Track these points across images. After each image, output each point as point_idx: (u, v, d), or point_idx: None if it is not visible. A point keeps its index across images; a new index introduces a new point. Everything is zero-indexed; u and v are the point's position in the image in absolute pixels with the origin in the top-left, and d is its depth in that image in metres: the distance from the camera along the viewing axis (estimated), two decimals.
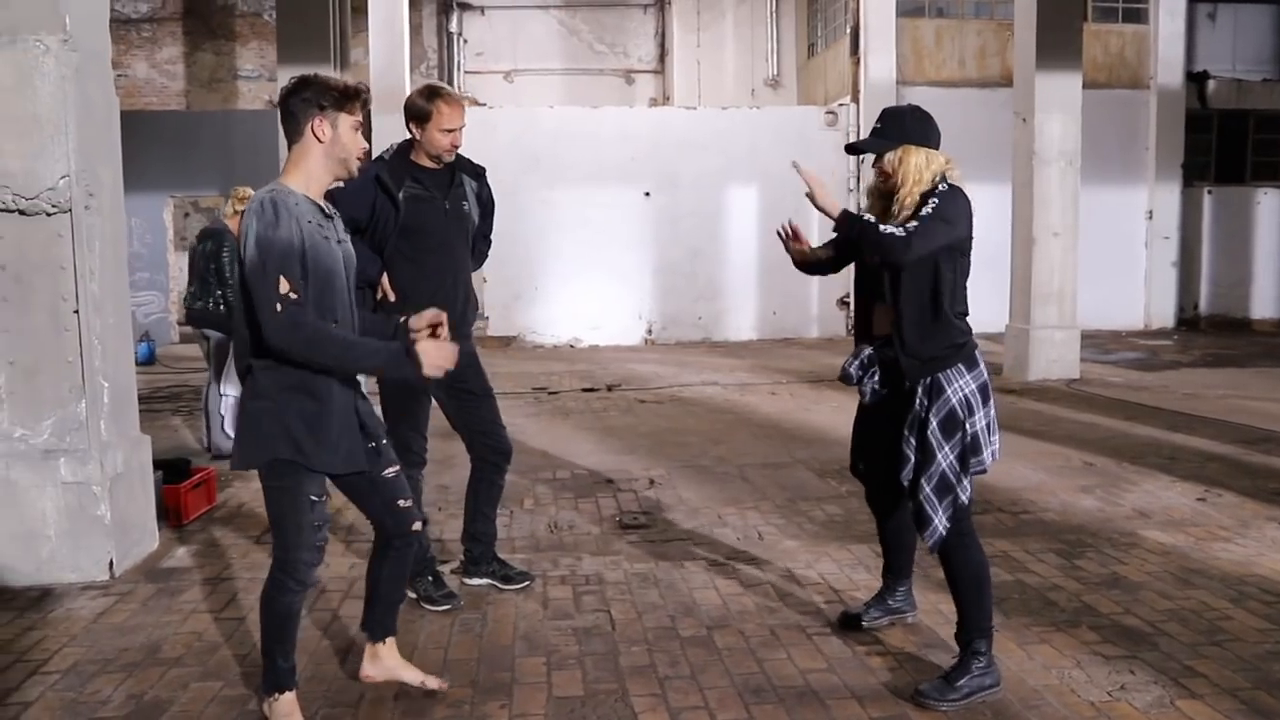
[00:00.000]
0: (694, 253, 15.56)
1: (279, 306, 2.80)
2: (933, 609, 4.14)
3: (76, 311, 4.57)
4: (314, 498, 3.04)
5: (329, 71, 9.73)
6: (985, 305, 12.83)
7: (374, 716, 3.30)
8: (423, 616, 4.15)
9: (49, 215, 4.54)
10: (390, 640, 3.47)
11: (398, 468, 3.28)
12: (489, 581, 4.48)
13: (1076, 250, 10.87)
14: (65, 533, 4.56)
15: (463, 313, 4.28)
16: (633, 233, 15.46)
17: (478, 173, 4.40)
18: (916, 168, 3.36)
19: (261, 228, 2.82)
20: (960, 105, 14.92)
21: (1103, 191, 15.01)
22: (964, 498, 3.39)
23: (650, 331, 15.68)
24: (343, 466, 3.04)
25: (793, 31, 18.80)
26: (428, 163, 4.18)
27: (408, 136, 4.21)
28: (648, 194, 15.43)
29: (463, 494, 4.57)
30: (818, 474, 6.54)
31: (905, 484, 3.42)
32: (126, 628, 4.06)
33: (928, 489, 3.36)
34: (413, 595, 4.29)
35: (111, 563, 4.61)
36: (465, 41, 18.64)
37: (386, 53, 14.25)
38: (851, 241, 3.46)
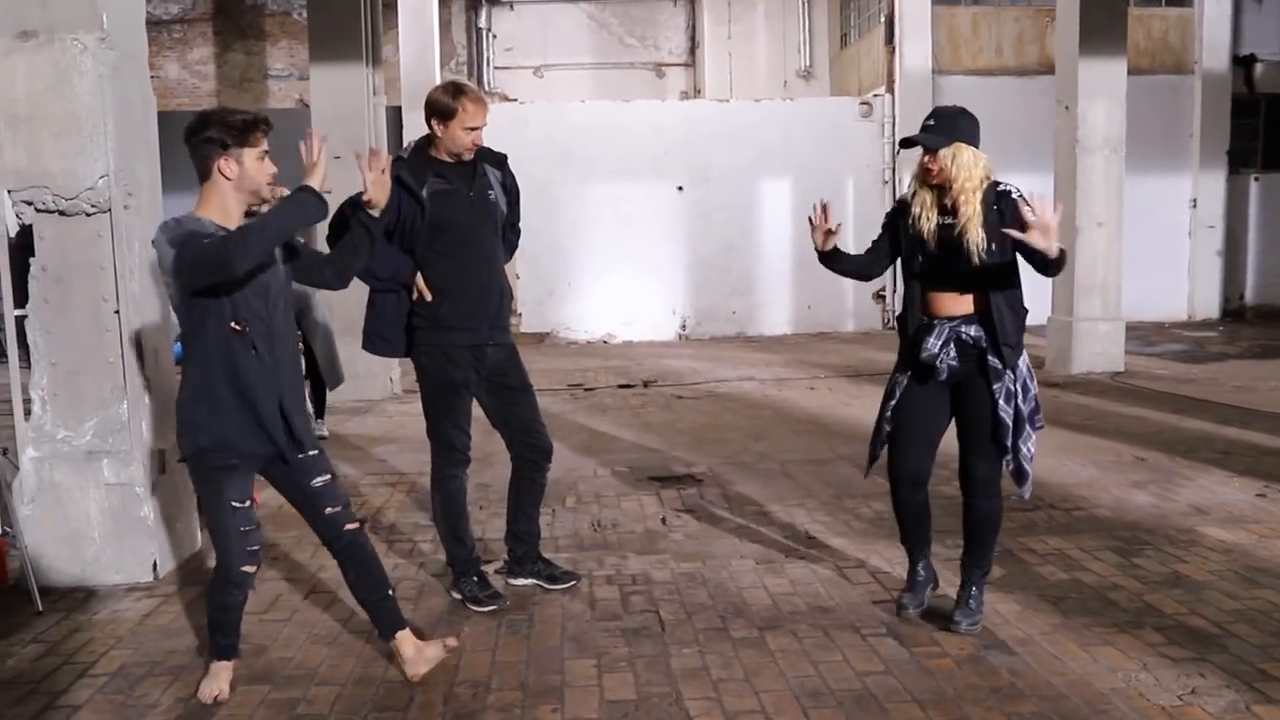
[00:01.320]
0: (727, 247, 15.43)
1: (207, 240, 3.00)
2: (990, 609, 4.03)
3: (117, 312, 4.54)
4: (235, 503, 3.21)
5: (361, 69, 9.70)
6: (1029, 297, 12.78)
7: (424, 717, 3.24)
8: (468, 618, 4.10)
9: (88, 215, 4.51)
10: (402, 634, 3.50)
11: (328, 477, 3.40)
12: (534, 581, 4.41)
13: (1121, 240, 10.66)
14: (109, 534, 4.53)
15: (499, 305, 4.21)
16: (665, 227, 15.35)
17: (499, 161, 4.30)
18: (968, 165, 3.67)
19: (169, 234, 3.05)
20: (998, 94, 14.71)
21: (1145, 180, 14.70)
22: (1033, 451, 3.89)
23: (684, 327, 15.57)
24: (262, 447, 3.21)
25: (825, 21, 18.60)
26: (448, 158, 4.10)
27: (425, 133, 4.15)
28: (680, 188, 15.31)
29: (503, 492, 4.52)
30: (861, 469, 6.41)
31: (1004, 446, 3.80)
32: (172, 630, 4.03)
33: (1025, 448, 3.81)
34: (458, 596, 4.25)
35: (155, 564, 4.59)
36: (494, 37, 18.58)
37: (416, 49, 14.22)
38: (1051, 263, 3.59)
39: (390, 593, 3.50)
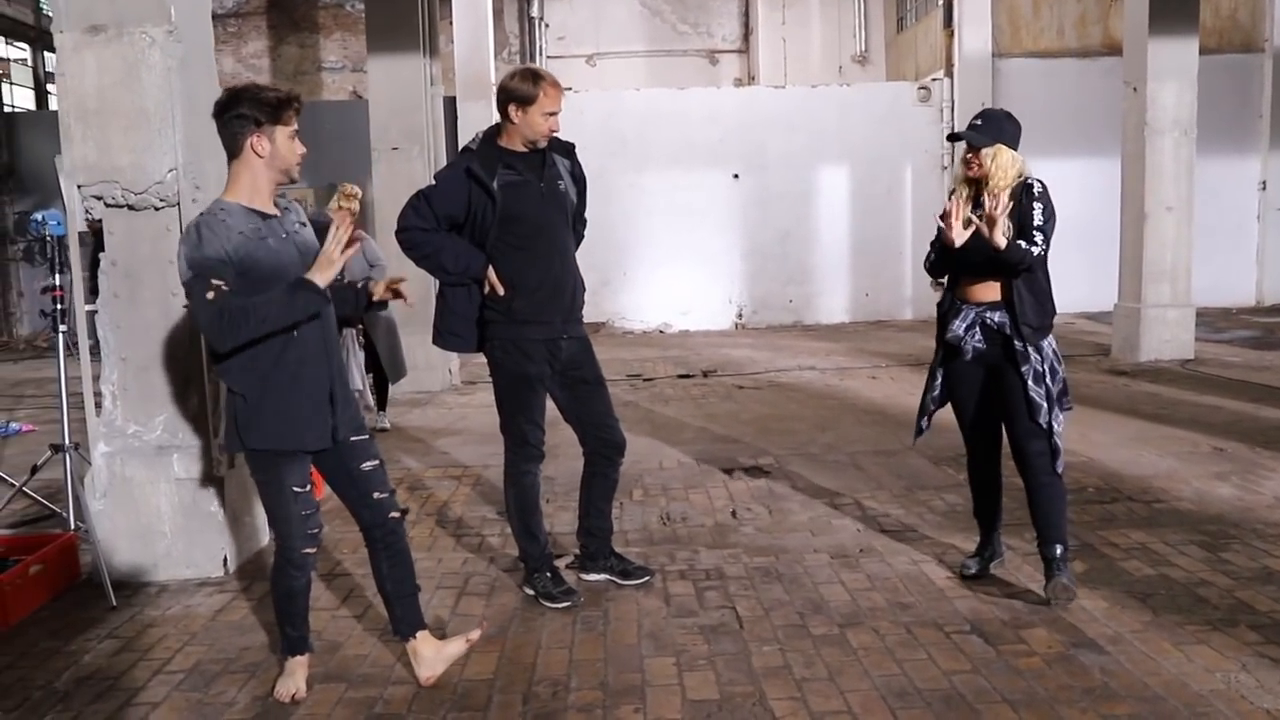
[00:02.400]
0: (784, 235, 15.26)
1: (210, 296, 2.96)
2: (1076, 607, 3.90)
3: (186, 306, 4.53)
4: (296, 489, 3.21)
5: (418, 60, 9.68)
6: (1089, 284, 12.53)
7: (504, 717, 3.18)
8: (543, 614, 4.04)
9: (157, 210, 4.51)
10: (422, 634, 3.43)
11: (376, 462, 3.36)
12: (607, 577, 4.35)
13: (1191, 225, 10.37)
14: (180, 529, 4.53)
15: (573, 297, 4.14)
16: (721, 215, 15.22)
17: (568, 150, 4.21)
18: (1005, 165, 3.96)
19: (189, 249, 3.00)
20: (1060, 76, 14.40)
21: (1212, 162, 14.25)
22: (1061, 430, 4.08)
23: (740, 316, 15.44)
24: (314, 443, 3.20)
25: (880, 5, 18.34)
26: (519, 147, 4.01)
27: (495, 121, 4.07)
28: (736, 176, 15.16)
29: (569, 485, 4.47)
30: (932, 461, 6.29)
31: (1043, 425, 3.97)
32: (245, 626, 4.02)
33: (1056, 427, 3.99)
34: (531, 592, 4.19)
35: (226, 559, 4.58)
36: (547, 26, 18.54)
37: (470, 39, 14.18)
38: (1000, 255, 3.89)
39: (417, 590, 3.46)
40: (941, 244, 4.04)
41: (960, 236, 3.94)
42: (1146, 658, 3.49)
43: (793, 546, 4.80)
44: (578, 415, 4.23)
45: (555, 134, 4.06)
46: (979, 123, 4.04)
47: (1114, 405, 8.04)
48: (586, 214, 4.38)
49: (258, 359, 3.10)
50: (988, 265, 3.96)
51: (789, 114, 15.03)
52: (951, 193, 4.16)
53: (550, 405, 4.22)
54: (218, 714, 3.28)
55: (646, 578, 4.34)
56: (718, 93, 15.98)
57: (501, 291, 4.00)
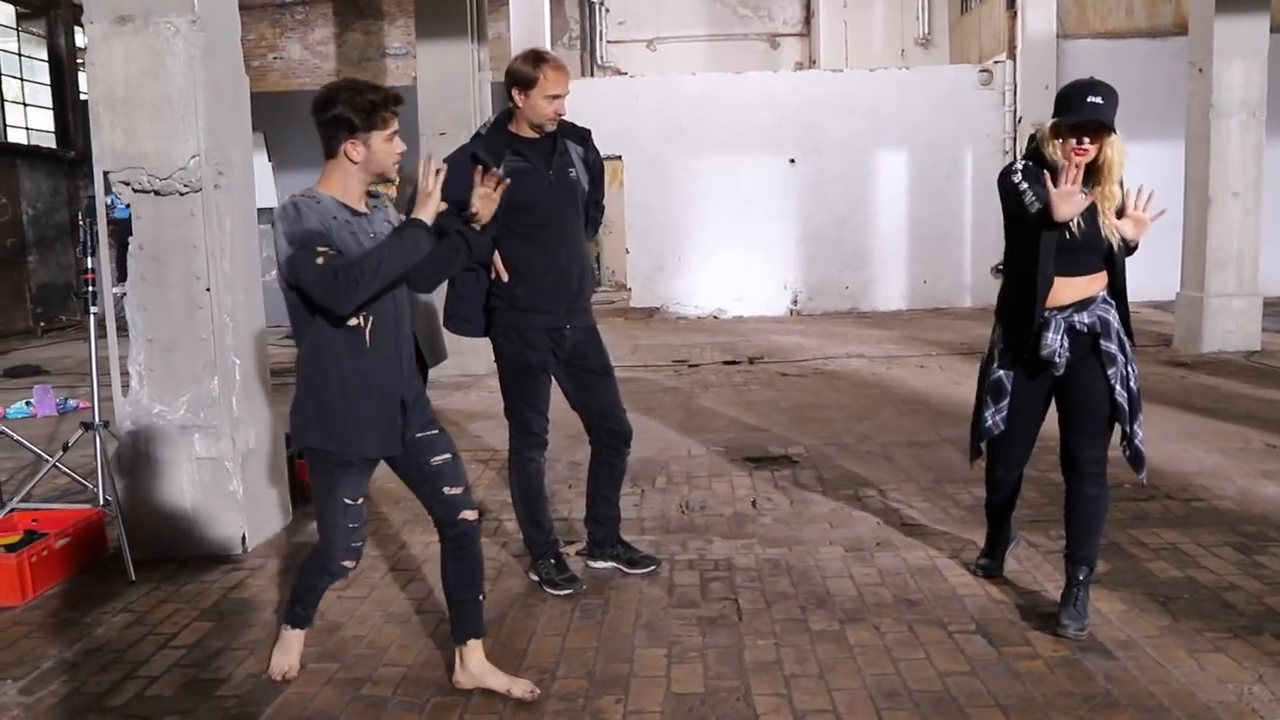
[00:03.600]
0: (840, 220, 15.08)
1: (320, 260, 2.86)
2: (1090, 609, 3.78)
3: (209, 289, 4.61)
4: (347, 500, 3.14)
5: (467, 46, 9.72)
6: (1153, 271, 12.01)
7: (485, 708, 3.19)
8: (544, 600, 4.05)
9: (181, 195, 4.59)
10: (474, 643, 3.28)
11: (448, 455, 3.24)
12: (614, 565, 4.34)
13: (1260, 211, 10.00)
14: (200, 507, 4.64)
15: (580, 285, 4.11)
16: (777, 200, 15.09)
17: (583, 136, 4.18)
18: (1121, 150, 3.51)
19: (287, 225, 2.91)
20: (1128, 58, 13.97)
21: None
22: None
23: (795, 302, 15.31)
24: (376, 450, 3.11)
25: None
26: (529, 132, 3.99)
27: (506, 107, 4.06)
28: (792, 161, 15.01)
29: None
30: (965, 453, 6.15)
31: (1125, 430, 3.65)
32: (254, 604, 4.09)
33: (1140, 432, 3.67)
34: (535, 578, 4.21)
35: (244, 537, 4.67)
36: (607, 10, 18.48)
37: (527, 24, 14.23)
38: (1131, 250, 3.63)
39: (480, 598, 3.30)
40: (1042, 223, 3.43)
41: (1071, 204, 3.31)
42: (1157, 665, 3.37)
43: (808, 538, 4.74)
44: (583, 404, 4.22)
45: (563, 117, 4.04)
46: (1100, 100, 3.37)
47: (1167, 398, 7.80)
48: (604, 201, 4.36)
49: (323, 351, 3.00)
50: (1092, 257, 3.59)
51: (846, 97, 14.83)
52: (1017, 171, 3.58)
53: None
54: (210, 690, 3.34)
55: (653, 567, 4.32)
56: (774, 77, 15.82)
57: (505, 278, 4.00)
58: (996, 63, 14.79)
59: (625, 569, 4.31)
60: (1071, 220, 3.43)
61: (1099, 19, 14.53)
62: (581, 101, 14.49)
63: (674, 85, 15.21)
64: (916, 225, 14.87)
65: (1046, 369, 3.67)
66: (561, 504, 5.32)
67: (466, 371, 9.51)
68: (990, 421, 3.86)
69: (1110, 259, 3.64)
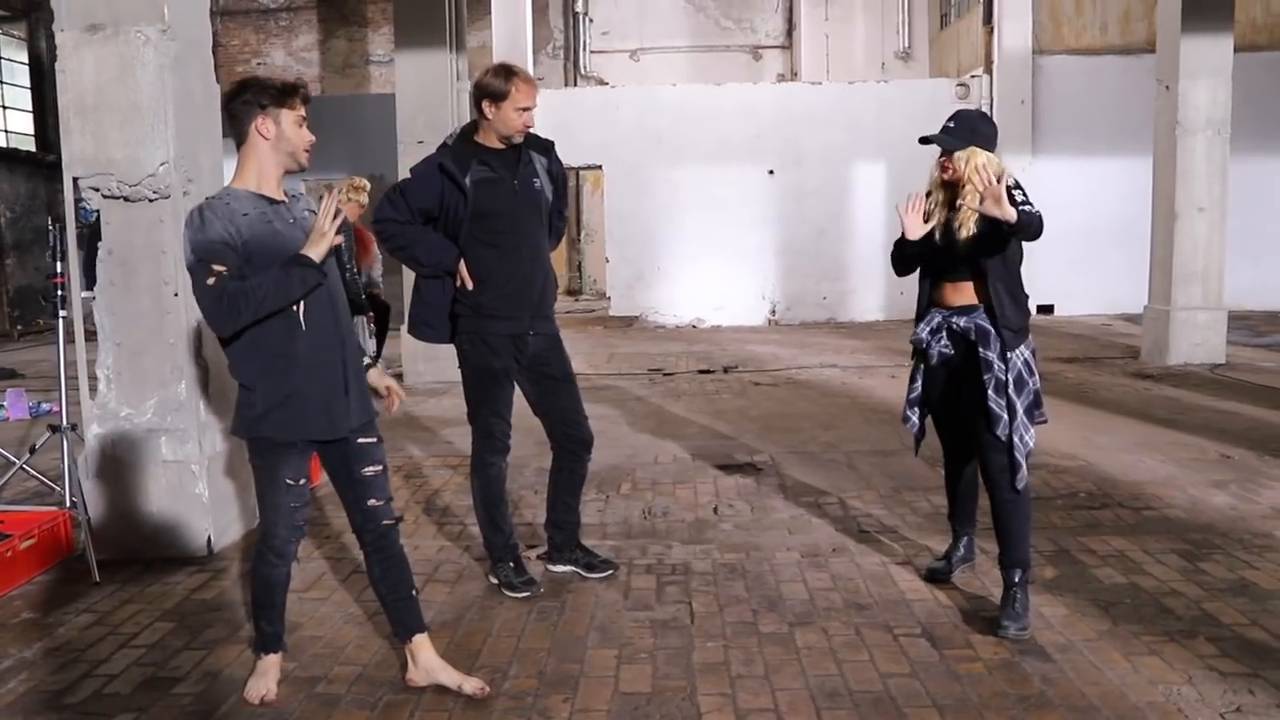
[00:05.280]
0: (819, 231, 15.22)
1: (210, 281, 2.96)
2: (1035, 612, 3.88)
3: (177, 294, 4.68)
4: (289, 481, 3.19)
5: (446, 55, 9.81)
6: (1120, 285, 12.32)
7: (435, 705, 3.26)
8: (501, 603, 4.12)
9: (150, 201, 4.66)
10: (420, 638, 3.35)
11: (380, 468, 3.29)
12: (572, 569, 4.42)
13: (1224, 226, 10.16)
14: (165, 509, 4.69)
15: (543, 293, 4.20)
16: (756, 211, 15.22)
17: (546, 147, 4.27)
18: (980, 167, 3.80)
19: (192, 233, 3.00)
20: (1101, 75, 14.14)
21: (1262, 161, 13.99)
22: (1031, 445, 3.90)
23: (774, 312, 15.43)
24: (321, 432, 3.16)
25: (924, 1, 18.15)
26: (495, 143, 4.09)
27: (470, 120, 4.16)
28: (771, 172, 15.15)
29: None
30: (929, 462, 6.23)
31: (1003, 438, 3.81)
32: (215, 604, 4.16)
33: (1017, 440, 3.81)
34: (494, 581, 4.28)
35: (209, 539, 4.73)
36: (591, 21, 18.62)
37: (509, 34, 14.32)
38: (1016, 229, 3.75)
39: (413, 593, 3.36)
40: (909, 240, 3.97)
41: (917, 229, 3.91)
42: (1092, 667, 3.47)
43: (766, 544, 4.83)
44: (545, 410, 4.30)
45: (530, 130, 4.13)
46: (951, 125, 3.92)
47: (1128, 409, 7.94)
48: (566, 210, 4.46)
49: (258, 346, 3.07)
50: (961, 266, 3.90)
51: (826, 110, 14.98)
52: (928, 195, 4.08)
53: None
54: (167, 688, 3.40)
55: (610, 571, 4.40)
56: (753, 88, 15.96)
57: (471, 285, 4.08)
58: (974, 77, 14.97)
59: (584, 573, 4.39)
60: (920, 235, 3.95)
61: (1074, 36, 14.72)
62: (563, 112, 14.69)
63: (653, 96, 15.33)
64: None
65: (943, 363, 4.00)
66: (527, 509, 5.39)
67: (441, 378, 9.58)
68: (906, 401, 4.23)
69: (984, 270, 3.85)
